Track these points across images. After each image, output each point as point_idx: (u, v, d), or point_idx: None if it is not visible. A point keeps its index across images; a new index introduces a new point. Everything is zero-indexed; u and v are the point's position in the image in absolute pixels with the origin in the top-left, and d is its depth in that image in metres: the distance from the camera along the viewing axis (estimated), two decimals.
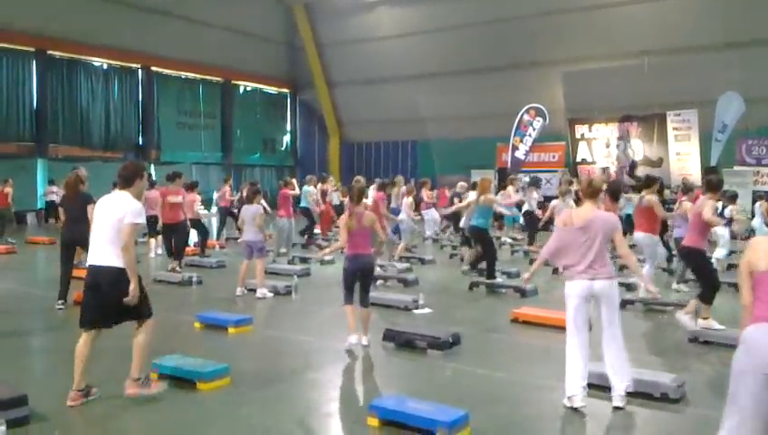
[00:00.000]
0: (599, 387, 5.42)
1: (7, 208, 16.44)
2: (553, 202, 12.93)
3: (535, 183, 15.87)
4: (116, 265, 5.00)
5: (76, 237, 8.30)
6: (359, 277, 6.90)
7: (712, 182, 7.98)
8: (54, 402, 5.12)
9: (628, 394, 5.23)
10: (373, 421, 4.70)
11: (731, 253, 12.99)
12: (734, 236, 13.76)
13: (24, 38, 22.75)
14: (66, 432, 4.66)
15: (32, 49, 23.26)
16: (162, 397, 5.25)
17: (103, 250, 5.05)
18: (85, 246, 8.75)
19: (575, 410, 5.09)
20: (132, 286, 4.99)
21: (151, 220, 12.48)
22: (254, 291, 9.72)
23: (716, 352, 6.81)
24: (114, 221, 5.03)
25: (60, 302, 8.52)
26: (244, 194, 11.90)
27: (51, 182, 21.98)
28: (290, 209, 13.95)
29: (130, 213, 5.04)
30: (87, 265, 5.18)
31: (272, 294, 9.70)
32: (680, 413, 5.10)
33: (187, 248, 13.16)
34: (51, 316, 8.49)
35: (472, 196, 12.07)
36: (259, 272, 9.78)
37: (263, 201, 14.62)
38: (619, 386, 5.14)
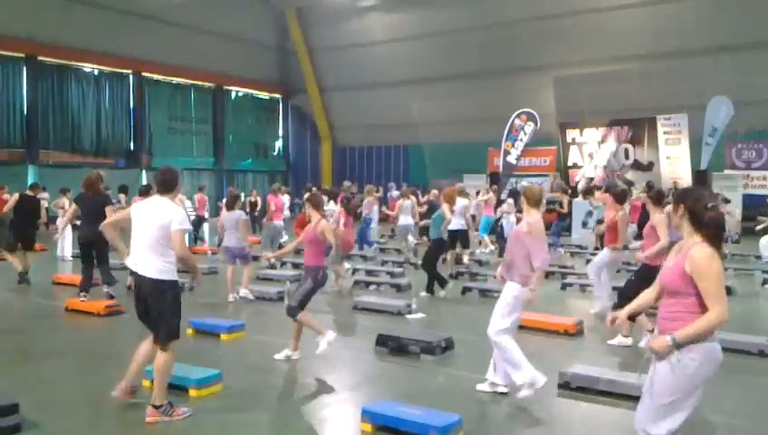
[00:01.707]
0: (588, 390, 5.45)
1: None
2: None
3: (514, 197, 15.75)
4: (155, 276, 4.90)
5: (93, 238, 8.58)
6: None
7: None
8: (46, 410, 5.10)
9: (622, 397, 5.27)
10: (366, 427, 4.70)
11: None
12: None
13: (14, 44, 22.64)
14: None
15: (22, 55, 23.15)
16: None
17: (145, 259, 4.94)
18: (99, 246, 8.97)
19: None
20: (196, 275, 5.33)
21: None
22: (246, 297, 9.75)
23: None
24: (157, 228, 4.91)
25: (82, 294, 8.99)
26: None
27: (42, 188, 21.83)
28: (280, 214, 14.05)
29: (177, 220, 4.92)
30: (132, 269, 5.12)
31: (253, 297, 9.76)
32: None
33: None
34: (42, 323, 8.44)
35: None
36: (246, 276, 9.90)
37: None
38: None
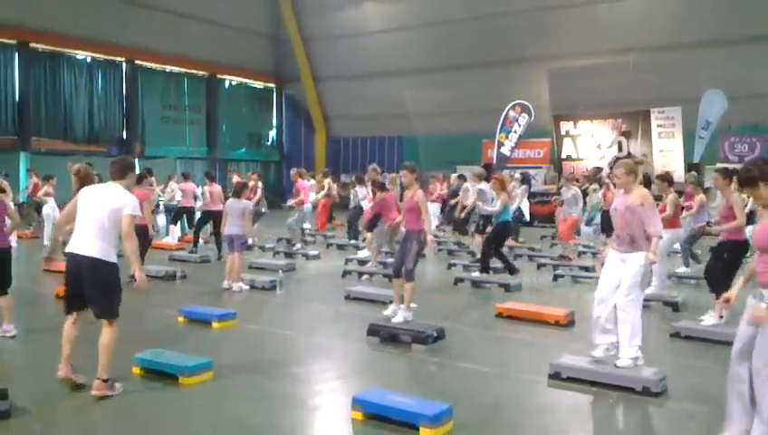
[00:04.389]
0: (578, 381, 5.47)
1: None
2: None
3: (526, 180, 15.97)
4: (97, 256, 5.03)
5: None
6: None
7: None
8: (35, 397, 5.09)
9: (612, 387, 5.31)
10: (357, 415, 4.71)
11: None
12: None
13: (5, 31, 22.39)
14: (48, 427, 4.63)
15: (14, 41, 22.91)
16: (145, 391, 5.24)
17: (88, 240, 5.07)
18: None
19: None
20: (138, 274, 5.21)
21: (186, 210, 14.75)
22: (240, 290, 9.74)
23: (697, 346, 6.88)
24: (108, 212, 5.07)
25: None
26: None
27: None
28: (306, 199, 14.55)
29: (130, 205, 5.13)
30: (67, 251, 5.17)
31: (248, 287, 9.75)
32: (661, 407, 5.15)
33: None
34: (31, 310, 8.41)
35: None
36: (238, 266, 9.82)
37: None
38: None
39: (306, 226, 16.21)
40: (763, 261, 3.98)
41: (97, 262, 5.03)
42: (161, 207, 16.97)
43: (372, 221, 12.10)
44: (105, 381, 5.08)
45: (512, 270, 10.52)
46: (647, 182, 12.77)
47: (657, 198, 12.37)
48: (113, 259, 5.11)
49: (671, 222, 9.04)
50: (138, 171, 11.79)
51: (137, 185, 10.49)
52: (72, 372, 5.25)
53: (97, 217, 5.07)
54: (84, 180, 9.07)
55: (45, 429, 4.59)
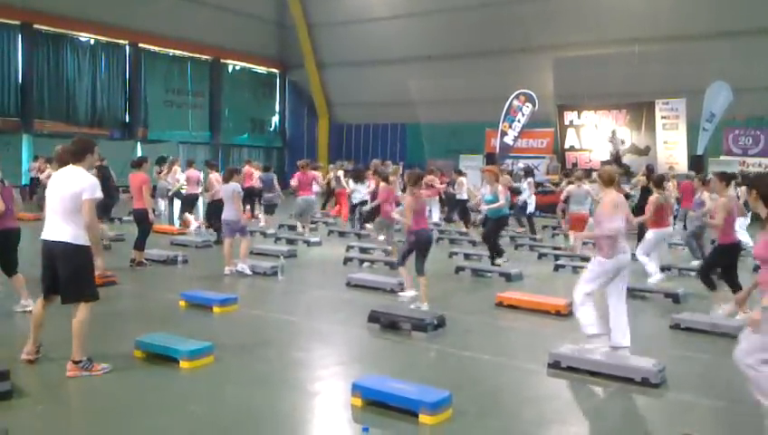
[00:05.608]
0: (578, 370, 5.48)
1: None
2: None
3: (529, 172, 16.05)
4: (68, 240, 5.05)
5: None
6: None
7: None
8: (36, 378, 5.11)
9: (611, 378, 5.32)
10: (357, 401, 4.72)
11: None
12: None
13: (9, 11, 22.36)
14: (48, 407, 4.65)
15: (17, 22, 22.89)
16: (145, 375, 5.26)
17: (57, 225, 5.09)
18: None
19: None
20: (99, 262, 5.27)
21: (191, 198, 14.77)
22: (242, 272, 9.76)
23: (697, 338, 6.89)
24: (68, 196, 5.06)
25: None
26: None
27: (35, 158, 21.74)
28: (309, 189, 14.54)
29: (88, 189, 5.08)
30: (42, 238, 5.19)
31: (250, 272, 9.73)
32: (661, 398, 5.16)
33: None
34: (34, 292, 8.43)
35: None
36: (243, 249, 9.88)
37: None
38: None
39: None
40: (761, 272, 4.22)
41: (68, 246, 5.05)
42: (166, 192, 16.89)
43: (373, 212, 12.18)
44: (77, 362, 5.11)
45: (494, 256, 10.88)
46: (649, 172, 12.85)
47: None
48: (83, 242, 5.10)
49: (656, 222, 9.31)
50: (140, 155, 12.03)
51: (136, 169, 10.54)
52: (36, 353, 5.39)
53: (62, 202, 5.08)
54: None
55: (46, 410, 4.61)
